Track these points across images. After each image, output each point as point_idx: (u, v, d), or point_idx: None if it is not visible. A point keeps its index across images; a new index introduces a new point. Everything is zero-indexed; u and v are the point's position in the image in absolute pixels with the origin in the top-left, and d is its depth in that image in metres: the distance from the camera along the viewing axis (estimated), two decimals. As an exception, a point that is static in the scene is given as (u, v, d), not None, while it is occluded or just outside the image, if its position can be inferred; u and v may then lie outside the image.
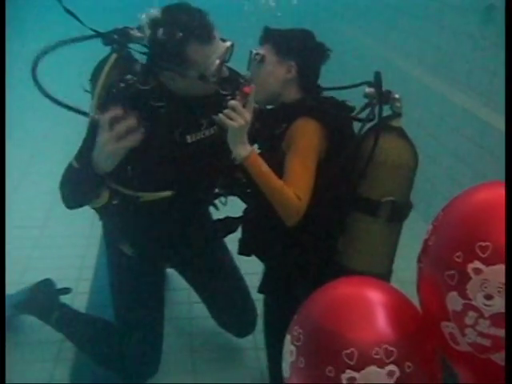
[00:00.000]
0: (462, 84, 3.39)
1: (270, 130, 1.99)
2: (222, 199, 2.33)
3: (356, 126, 2.01)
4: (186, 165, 2.07)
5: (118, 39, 2.07)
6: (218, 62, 1.91)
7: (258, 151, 1.97)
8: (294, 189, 1.82)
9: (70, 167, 2.05)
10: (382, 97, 1.94)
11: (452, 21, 3.53)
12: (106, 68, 2.04)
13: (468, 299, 1.06)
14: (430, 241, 1.17)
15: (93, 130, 1.99)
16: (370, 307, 1.24)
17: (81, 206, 2.12)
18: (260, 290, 2.15)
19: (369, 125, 2.01)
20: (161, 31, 1.89)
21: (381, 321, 1.22)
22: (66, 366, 2.48)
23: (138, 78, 1.98)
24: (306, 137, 1.89)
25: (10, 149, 4.43)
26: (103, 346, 2.38)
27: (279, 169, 1.86)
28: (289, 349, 1.30)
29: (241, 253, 2.12)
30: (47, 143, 4.85)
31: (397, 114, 1.97)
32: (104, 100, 2.00)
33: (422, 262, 1.18)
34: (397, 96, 1.96)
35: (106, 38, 2.08)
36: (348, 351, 1.21)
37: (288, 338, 1.32)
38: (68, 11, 2.10)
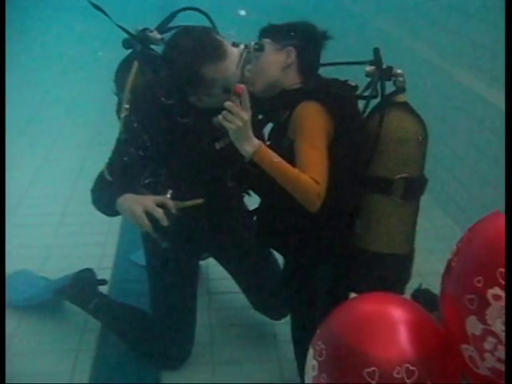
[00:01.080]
0: (484, 73, 3.36)
1: (274, 118, 2.02)
2: None
3: (361, 105, 2.03)
4: (218, 169, 2.14)
5: (138, 45, 2.11)
6: (238, 74, 1.96)
7: (268, 142, 1.99)
8: (309, 173, 1.83)
9: (102, 177, 2.13)
10: (383, 73, 1.96)
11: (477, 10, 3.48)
12: (131, 79, 2.10)
13: (487, 325, 1.09)
14: (453, 261, 1.20)
15: (124, 141, 2.08)
16: (392, 325, 1.28)
17: (113, 215, 2.20)
18: (282, 283, 2.18)
19: (373, 103, 2.00)
20: (174, 59, 1.96)
21: (403, 339, 1.26)
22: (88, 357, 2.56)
23: (161, 88, 2.03)
24: (311, 119, 1.90)
25: (29, 136, 4.54)
26: (137, 333, 2.49)
27: (288, 156, 1.87)
28: (311, 363, 1.34)
29: (259, 245, 2.16)
30: (66, 129, 4.92)
31: (400, 89, 1.98)
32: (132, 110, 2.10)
33: (445, 281, 1.20)
34: (399, 71, 1.97)
35: (126, 42, 2.12)
36: (369, 370, 1.24)
37: (311, 351, 1.36)
38: (96, 7, 2.17)
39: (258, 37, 2.06)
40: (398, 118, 1.95)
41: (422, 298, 2.15)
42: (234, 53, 1.97)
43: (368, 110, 2.01)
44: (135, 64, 2.18)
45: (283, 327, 2.67)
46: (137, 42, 2.26)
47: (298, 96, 1.94)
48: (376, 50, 1.99)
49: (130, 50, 2.33)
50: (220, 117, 1.81)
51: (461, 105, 3.52)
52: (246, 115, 1.81)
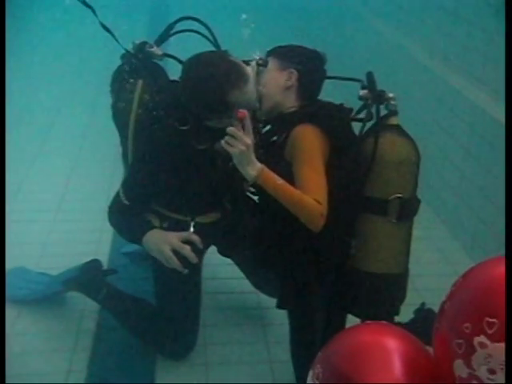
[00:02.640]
0: (475, 78, 3.43)
1: (270, 141, 2.11)
2: None
3: (356, 128, 2.14)
4: (232, 186, 2.24)
5: (140, 64, 2.16)
6: (255, 90, 2.04)
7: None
8: (311, 194, 1.91)
9: (119, 200, 2.20)
10: (376, 97, 2.06)
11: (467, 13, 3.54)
12: (136, 98, 2.12)
13: (472, 369, 1.20)
14: (446, 305, 1.31)
15: (139, 163, 2.17)
16: (387, 355, 1.38)
17: (130, 241, 2.32)
18: (278, 306, 2.25)
19: (367, 126, 2.12)
20: (197, 88, 2.01)
21: (396, 370, 1.36)
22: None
23: (175, 113, 2.09)
24: (308, 141, 1.98)
25: (22, 130, 4.56)
26: (144, 323, 2.57)
27: (286, 178, 1.95)
28: None
29: (257, 265, 2.24)
30: (59, 124, 4.93)
31: (393, 112, 2.08)
32: (140, 130, 2.19)
33: (438, 321, 1.30)
34: (391, 95, 2.08)
35: (125, 58, 2.17)
36: None
37: (310, 373, 1.47)
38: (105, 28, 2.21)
39: (265, 55, 2.16)
40: (392, 140, 2.04)
41: (424, 317, 2.27)
42: (250, 73, 2.05)
43: (363, 130, 2.11)
44: (139, 82, 2.21)
45: (274, 328, 2.78)
46: (137, 57, 2.29)
47: (295, 119, 2.03)
48: (369, 74, 2.09)
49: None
50: (223, 142, 1.89)
51: (453, 108, 3.59)
52: (249, 139, 1.88)
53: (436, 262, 3.34)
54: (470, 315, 1.21)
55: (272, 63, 2.10)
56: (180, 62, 2.26)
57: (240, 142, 1.86)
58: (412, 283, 2.88)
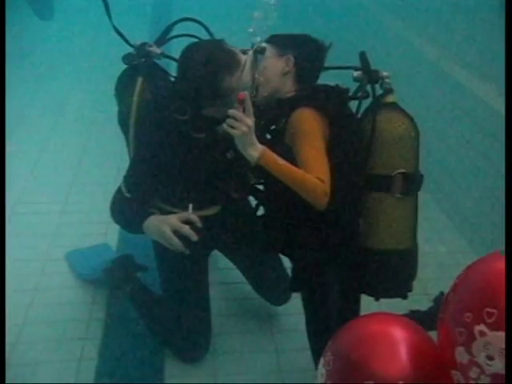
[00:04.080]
0: (477, 71, 3.49)
1: (270, 126, 2.15)
2: None
3: (354, 109, 2.19)
4: (229, 178, 2.29)
5: (140, 63, 2.28)
6: (249, 77, 2.10)
7: None
8: (313, 173, 1.94)
9: (120, 194, 2.26)
10: (370, 76, 2.11)
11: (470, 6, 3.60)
12: (136, 95, 2.24)
13: (472, 356, 1.31)
14: (449, 296, 1.42)
15: (140, 156, 2.22)
16: (393, 344, 1.50)
17: (132, 232, 2.36)
18: (292, 288, 2.33)
19: (365, 106, 2.16)
20: (191, 75, 2.08)
21: (401, 358, 1.48)
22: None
23: (173, 104, 2.15)
24: (307, 123, 2.02)
25: (29, 124, 4.62)
26: (164, 324, 2.66)
27: (287, 161, 1.98)
28: (321, 371, 1.58)
29: (267, 251, 2.32)
30: (65, 117, 5.01)
31: (388, 91, 2.13)
32: (142, 125, 2.25)
33: (442, 313, 1.40)
34: (385, 74, 2.13)
35: (126, 57, 2.24)
36: (368, 382, 1.44)
37: (322, 360, 1.56)
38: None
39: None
40: (389, 117, 2.10)
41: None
42: (245, 60, 2.12)
43: (360, 112, 2.18)
44: (139, 80, 2.29)
45: (279, 319, 2.87)
46: (138, 57, 2.36)
47: (293, 104, 2.07)
48: (362, 55, 2.16)
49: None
50: (225, 124, 1.93)
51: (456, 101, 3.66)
52: (250, 121, 1.92)
53: (438, 252, 3.43)
54: (471, 306, 1.31)
55: (270, 50, 2.13)
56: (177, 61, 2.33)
57: (242, 124, 1.90)
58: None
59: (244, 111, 1.92)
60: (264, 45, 2.12)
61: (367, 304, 2.32)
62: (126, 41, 2.37)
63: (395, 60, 4.49)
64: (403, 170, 2.07)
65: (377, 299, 2.25)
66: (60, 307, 2.91)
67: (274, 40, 2.18)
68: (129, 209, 2.24)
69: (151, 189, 2.27)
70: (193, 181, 2.27)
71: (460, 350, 1.32)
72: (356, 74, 2.14)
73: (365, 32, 5.36)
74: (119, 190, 2.28)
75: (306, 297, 2.31)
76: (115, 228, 3.38)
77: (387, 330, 1.51)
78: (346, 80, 2.21)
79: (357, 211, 2.15)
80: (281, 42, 2.17)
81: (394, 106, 2.13)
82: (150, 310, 2.73)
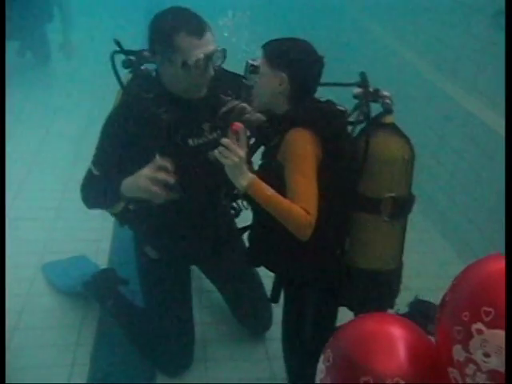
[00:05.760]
0: (469, 85, 3.57)
1: (265, 142, 2.16)
2: (244, 203, 2.46)
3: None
4: (191, 168, 2.29)
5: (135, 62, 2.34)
6: (202, 55, 2.16)
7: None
8: (300, 203, 1.95)
9: (90, 173, 2.29)
10: (370, 95, 2.11)
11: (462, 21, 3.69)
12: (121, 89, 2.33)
13: (469, 353, 1.35)
14: (447, 297, 1.46)
15: (109, 136, 2.27)
16: (390, 342, 1.54)
17: (101, 208, 2.39)
18: (272, 300, 2.34)
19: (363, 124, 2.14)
20: (157, 21, 2.21)
21: (398, 356, 1.51)
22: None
23: (144, 83, 2.27)
24: (300, 146, 2.01)
25: (21, 130, 4.64)
26: (145, 338, 2.69)
27: (277, 178, 2.02)
28: (321, 366, 1.61)
29: (250, 264, 2.35)
30: (58, 123, 5.05)
31: (387, 111, 2.12)
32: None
33: (440, 312, 1.45)
34: (386, 93, 2.12)
35: (126, 62, 2.35)
36: (365, 378, 1.50)
37: (322, 356, 1.62)
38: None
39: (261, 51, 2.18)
40: (385, 139, 2.08)
41: (417, 309, 2.38)
42: (211, 45, 2.19)
43: (357, 130, 2.16)
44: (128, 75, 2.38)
45: (271, 326, 2.89)
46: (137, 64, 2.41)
47: (288, 121, 2.06)
48: (362, 74, 2.16)
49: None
50: (216, 152, 1.97)
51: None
52: (242, 152, 1.96)
53: (428, 263, 3.48)
54: (469, 304, 1.36)
55: (264, 67, 2.10)
56: None
57: (233, 154, 1.93)
58: (404, 283, 3.01)
59: (238, 140, 1.95)
60: (258, 62, 2.13)
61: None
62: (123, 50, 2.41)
63: (386, 74, 4.57)
64: (393, 194, 2.07)
65: (356, 315, 2.24)
66: (52, 313, 2.93)
67: (268, 53, 2.12)
68: (97, 185, 2.26)
69: (120, 165, 2.26)
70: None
71: (457, 347, 1.35)
72: (356, 91, 2.13)
73: (352, 42, 5.45)
74: (89, 171, 2.29)
75: (284, 308, 2.33)
76: (108, 234, 3.47)
77: (386, 328, 1.55)
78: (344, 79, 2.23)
79: (344, 230, 2.16)
80: (275, 59, 2.09)
81: (392, 127, 2.12)
82: (132, 324, 2.75)
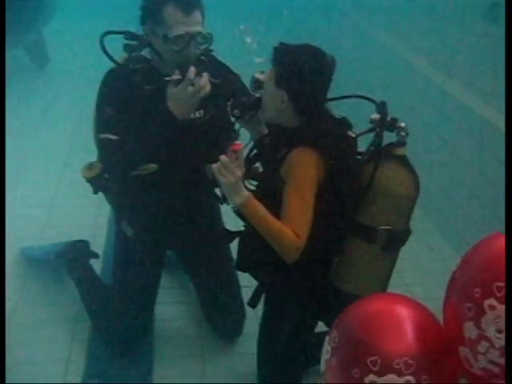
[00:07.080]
0: (464, 79, 3.57)
1: (271, 154, 2.12)
2: None
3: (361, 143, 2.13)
4: (174, 142, 2.27)
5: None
6: (183, 32, 2.18)
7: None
8: (292, 226, 1.94)
9: (107, 141, 2.27)
10: (387, 124, 2.04)
11: (457, 16, 3.70)
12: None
13: (482, 330, 1.34)
14: (456, 273, 1.45)
15: (103, 101, 2.30)
16: (397, 322, 1.53)
17: (129, 171, 2.33)
18: (250, 304, 2.32)
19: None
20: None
21: (405, 335, 1.50)
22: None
23: (130, 57, 2.30)
24: (304, 167, 1.98)
25: (16, 123, 4.61)
26: (103, 314, 2.69)
27: (274, 188, 2.01)
28: (326, 348, 1.60)
29: (237, 268, 2.30)
30: (54, 113, 5.09)
31: (401, 143, 2.05)
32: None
33: (449, 290, 1.43)
34: (402, 125, 2.04)
35: (127, 46, 2.32)
36: (372, 358, 1.49)
37: (327, 338, 1.60)
38: None
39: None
40: (392, 171, 2.02)
41: None
42: (197, 26, 2.21)
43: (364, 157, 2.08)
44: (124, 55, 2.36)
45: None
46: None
47: (296, 138, 2.03)
48: (383, 103, 2.06)
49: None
50: (214, 167, 1.94)
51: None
52: (240, 172, 1.93)
53: (424, 258, 3.47)
54: (480, 281, 1.35)
55: (268, 83, 2.06)
56: None
57: (230, 174, 1.92)
58: (402, 279, 2.99)
59: (236, 159, 1.93)
60: (262, 77, 2.08)
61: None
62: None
63: (386, 72, 4.57)
64: (389, 227, 2.02)
65: None
66: (47, 309, 2.89)
67: (275, 63, 2.04)
68: (120, 150, 2.24)
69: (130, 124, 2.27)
70: (137, 135, 2.25)
71: (469, 325, 1.34)
72: (374, 116, 2.05)
73: (349, 41, 5.45)
74: (104, 140, 2.27)
75: (263, 314, 2.33)
76: (103, 231, 3.44)
77: (392, 307, 1.54)
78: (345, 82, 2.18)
79: (334, 251, 2.14)
80: (279, 73, 2.02)
81: (402, 159, 2.05)
82: (94, 298, 2.75)
